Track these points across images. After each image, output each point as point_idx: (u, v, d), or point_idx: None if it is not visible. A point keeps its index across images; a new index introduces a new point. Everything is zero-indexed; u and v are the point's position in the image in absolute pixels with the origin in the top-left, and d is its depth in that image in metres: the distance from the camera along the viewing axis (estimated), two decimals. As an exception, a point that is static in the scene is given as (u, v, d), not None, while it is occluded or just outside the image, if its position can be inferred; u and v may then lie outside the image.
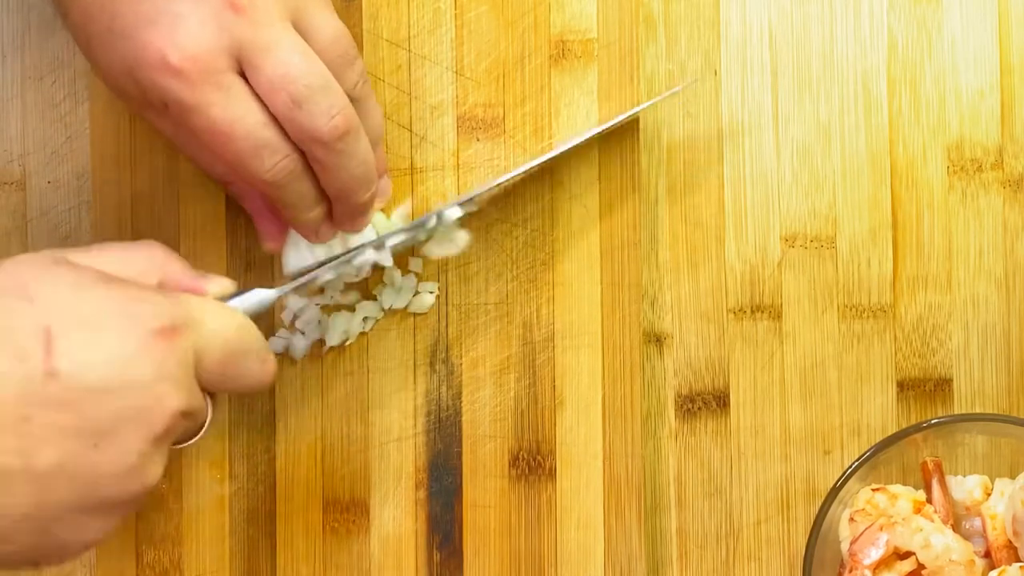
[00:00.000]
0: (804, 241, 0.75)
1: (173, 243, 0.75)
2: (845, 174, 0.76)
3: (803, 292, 0.75)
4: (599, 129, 0.73)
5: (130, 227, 0.75)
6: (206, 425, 0.60)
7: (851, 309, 0.75)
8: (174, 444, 0.59)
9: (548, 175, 0.75)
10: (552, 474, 0.75)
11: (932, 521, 0.71)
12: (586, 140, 0.74)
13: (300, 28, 0.65)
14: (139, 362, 0.56)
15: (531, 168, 0.74)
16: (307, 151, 0.65)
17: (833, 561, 0.72)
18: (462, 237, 0.74)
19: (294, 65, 0.63)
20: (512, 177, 0.74)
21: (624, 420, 0.75)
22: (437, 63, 0.76)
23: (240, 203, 0.73)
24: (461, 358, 0.75)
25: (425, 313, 0.75)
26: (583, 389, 0.75)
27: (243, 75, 0.63)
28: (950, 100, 0.76)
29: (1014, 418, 0.74)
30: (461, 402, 0.75)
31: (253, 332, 0.62)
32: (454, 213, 0.73)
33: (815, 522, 0.71)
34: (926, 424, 0.72)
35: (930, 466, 0.73)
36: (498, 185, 0.74)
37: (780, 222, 0.76)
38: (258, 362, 0.62)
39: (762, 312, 0.75)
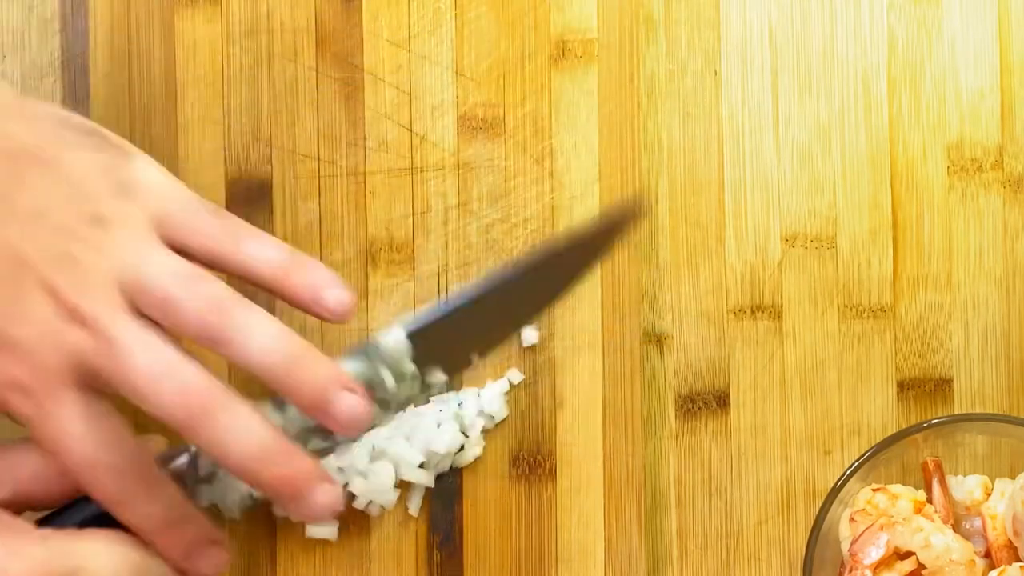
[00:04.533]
0: (804, 241, 0.75)
1: (173, 243, 0.75)
2: (845, 174, 0.76)
3: (803, 292, 0.75)
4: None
5: (130, 227, 0.75)
6: None
7: (851, 309, 0.75)
8: None
9: (548, 175, 0.76)
10: (552, 474, 0.75)
11: (932, 521, 0.71)
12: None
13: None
14: None
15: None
16: None
17: (833, 561, 0.72)
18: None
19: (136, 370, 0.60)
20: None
21: (624, 420, 0.75)
22: (437, 63, 0.76)
23: None
24: (461, 358, 0.75)
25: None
26: (583, 389, 0.75)
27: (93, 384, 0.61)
28: (950, 100, 0.76)
29: (1014, 418, 0.74)
30: (461, 402, 0.75)
31: (152, 570, 0.60)
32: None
33: (815, 522, 0.71)
34: (926, 424, 0.72)
35: (930, 466, 0.73)
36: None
37: (780, 222, 0.76)
38: None
39: (762, 312, 0.75)
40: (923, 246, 0.75)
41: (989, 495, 0.72)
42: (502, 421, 0.75)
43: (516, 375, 0.75)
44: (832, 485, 0.71)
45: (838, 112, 0.76)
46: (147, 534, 0.62)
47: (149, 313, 0.61)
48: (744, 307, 0.75)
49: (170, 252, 0.62)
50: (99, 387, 0.61)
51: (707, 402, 0.75)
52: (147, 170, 0.63)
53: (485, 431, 0.75)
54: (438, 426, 0.73)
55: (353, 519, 0.74)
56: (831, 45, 0.76)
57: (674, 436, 0.75)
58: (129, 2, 0.76)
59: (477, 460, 0.75)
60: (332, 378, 0.61)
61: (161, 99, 0.76)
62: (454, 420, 0.74)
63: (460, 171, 0.76)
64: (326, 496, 0.61)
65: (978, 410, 0.75)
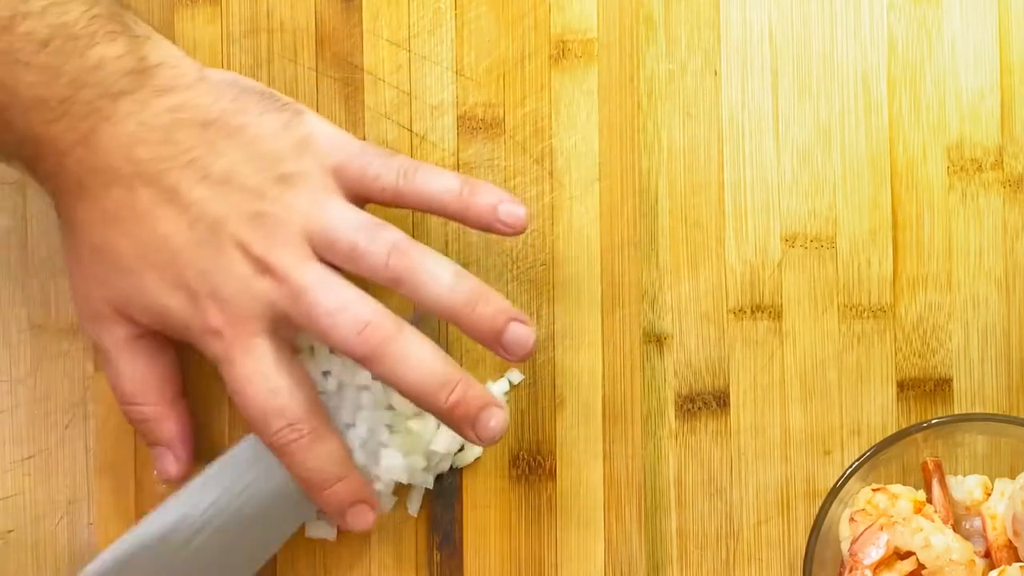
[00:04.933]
0: (804, 241, 0.75)
1: (173, 243, 0.75)
2: (845, 174, 0.76)
3: (803, 292, 0.75)
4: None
5: (130, 227, 0.75)
6: None
7: (851, 309, 0.75)
8: None
9: (548, 175, 0.76)
10: (552, 474, 0.75)
11: (932, 521, 0.71)
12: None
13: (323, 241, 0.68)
14: None
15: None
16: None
17: (833, 561, 0.72)
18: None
19: (323, 307, 0.67)
20: None
21: (624, 420, 0.75)
22: (437, 63, 0.76)
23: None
24: (461, 358, 0.75)
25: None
26: (583, 389, 0.75)
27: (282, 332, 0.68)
28: (950, 100, 0.76)
29: (1014, 418, 0.74)
30: (461, 402, 0.75)
31: None
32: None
33: (815, 522, 0.71)
34: (926, 424, 0.72)
35: (930, 466, 0.73)
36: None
37: (780, 222, 0.76)
38: None
39: (762, 312, 0.75)
40: (923, 246, 0.75)
41: (989, 495, 0.72)
42: (502, 421, 0.75)
43: (516, 375, 0.75)
44: (832, 485, 0.71)
45: (838, 112, 0.76)
46: (308, 485, 0.68)
47: (336, 262, 0.68)
48: (744, 307, 0.75)
49: (349, 203, 0.68)
50: (290, 335, 0.68)
51: (707, 402, 0.75)
52: (319, 125, 0.69)
53: None
54: (438, 426, 0.73)
55: (353, 519, 0.74)
56: (831, 45, 0.76)
57: (674, 436, 0.75)
58: (129, 2, 0.76)
59: (477, 460, 0.75)
60: (505, 311, 0.68)
61: (161, 99, 0.76)
62: (454, 420, 0.74)
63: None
64: (496, 420, 0.68)
65: (978, 410, 0.75)
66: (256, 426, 0.68)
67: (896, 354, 0.75)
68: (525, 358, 0.69)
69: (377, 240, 0.67)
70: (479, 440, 0.68)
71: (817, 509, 0.71)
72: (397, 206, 0.70)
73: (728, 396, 0.75)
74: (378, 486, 0.72)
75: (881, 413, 0.75)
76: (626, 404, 0.75)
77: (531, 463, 0.75)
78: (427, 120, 0.76)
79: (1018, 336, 0.75)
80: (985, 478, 0.73)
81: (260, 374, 0.67)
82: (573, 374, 0.75)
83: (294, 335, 0.69)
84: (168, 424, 0.71)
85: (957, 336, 0.75)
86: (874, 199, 0.75)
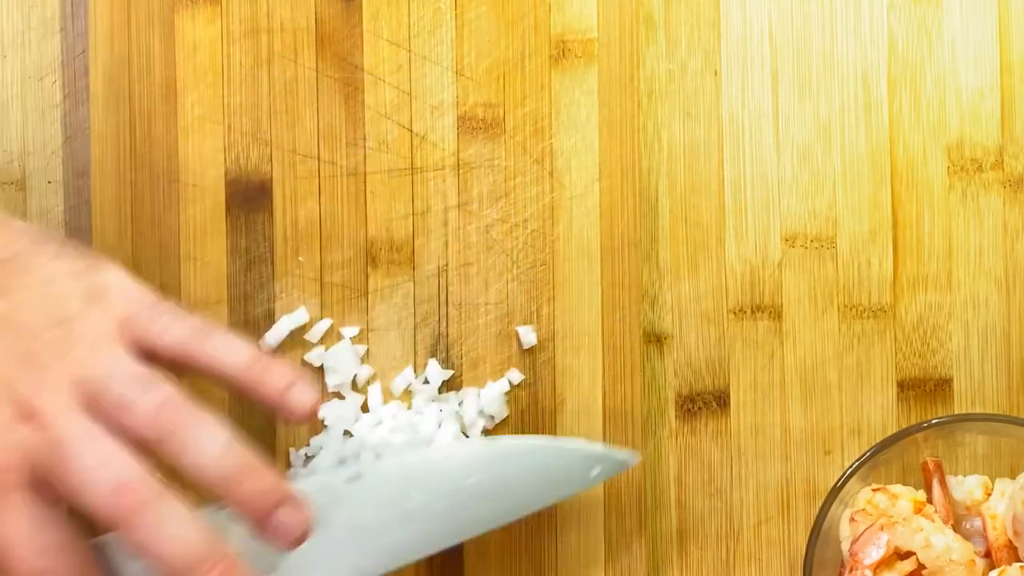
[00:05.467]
0: (804, 241, 0.75)
1: (173, 243, 0.75)
2: (845, 174, 0.76)
3: (803, 292, 0.75)
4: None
5: (130, 227, 0.75)
6: None
7: (851, 309, 0.75)
8: None
9: (548, 175, 0.76)
10: (552, 474, 0.75)
11: (932, 521, 0.71)
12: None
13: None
14: None
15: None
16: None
17: (834, 561, 0.72)
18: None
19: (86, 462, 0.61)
20: None
21: (624, 420, 0.75)
22: (437, 63, 0.76)
23: None
24: (461, 358, 0.75)
25: (424, 317, 0.75)
26: (583, 389, 0.75)
27: (44, 487, 0.62)
28: (950, 100, 0.76)
29: (1014, 418, 0.74)
30: (461, 402, 0.75)
31: None
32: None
33: (815, 522, 0.71)
34: (926, 424, 0.72)
35: (930, 466, 0.73)
36: None
37: (780, 222, 0.76)
38: None
39: (762, 312, 0.75)
40: (923, 246, 0.75)
41: (989, 495, 0.72)
42: (502, 421, 0.75)
43: (516, 375, 0.75)
44: (832, 485, 0.71)
45: (838, 112, 0.76)
46: None
47: (104, 414, 0.62)
48: (744, 307, 0.75)
49: (129, 356, 0.63)
50: (52, 490, 0.62)
51: (707, 402, 0.75)
52: (116, 275, 0.65)
53: (485, 431, 0.75)
54: (438, 426, 0.73)
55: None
56: (831, 45, 0.76)
57: (674, 436, 0.75)
58: (129, 2, 0.76)
59: (477, 460, 0.75)
60: (276, 492, 0.63)
61: (161, 99, 0.76)
62: (454, 420, 0.74)
63: (460, 171, 0.76)
64: None
65: (978, 410, 0.75)
66: None
67: (896, 354, 0.75)
68: (295, 545, 0.64)
69: (148, 393, 0.62)
70: None
71: (817, 509, 0.71)
72: (183, 367, 0.65)
73: (728, 396, 0.75)
74: None
75: (881, 413, 0.75)
76: (626, 404, 0.75)
77: (531, 463, 0.75)
78: (427, 120, 0.76)
79: (1018, 336, 0.75)
80: (985, 478, 0.73)
81: (25, 533, 0.61)
82: (573, 374, 0.75)
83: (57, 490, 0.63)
84: None
85: (957, 336, 0.75)
86: (874, 199, 0.75)
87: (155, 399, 0.62)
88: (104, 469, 0.61)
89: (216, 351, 0.65)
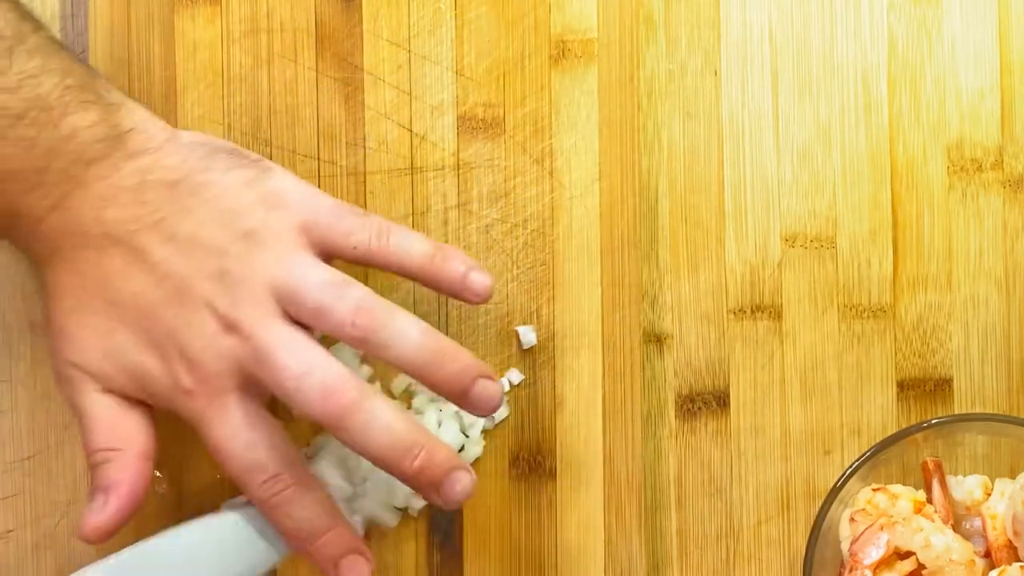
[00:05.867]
0: (804, 241, 0.75)
1: (173, 243, 0.75)
2: (845, 174, 0.76)
3: (803, 292, 0.75)
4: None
5: (130, 227, 0.75)
6: None
7: (851, 309, 0.75)
8: None
9: (548, 175, 0.76)
10: (552, 474, 0.75)
11: (932, 521, 0.71)
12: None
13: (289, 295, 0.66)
14: None
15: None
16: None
17: (833, 561, 0.72)
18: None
19: (290, 370, 0.65)
20: None
21: (624, 420, 0.75)
22: (437, 63, 0.76)
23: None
24: (461, 358, 0.75)
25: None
26: (583, 389, 0.75)
27: (252, 388, 0.66)
28: (950, 100, 0.76)
29: (1014, 418, 0.74)
30: (461, 402, 0.75)
31: None
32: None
33: (815, 522, 0.71)
34: (926, 424, 0.72)
35: (930, 466, 0.73)
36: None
37: (780, 222, 0.76)
38: None
39: (762, 312, 0.75)
40: (923, 246, 0.75)
41: (989, 495, 0.72)
42: (502, 421, 0.75)
43: (516, 375, 0.75)
44: (832, 485, 0.71)
45: (838, 112, 0.76)
46: (298, 538, 0.67)
47: (302, 319, 0.66)
48: (744, 307, 0.75)
49: (317, 260, 0.67)
50: (261, 391, 0.66)
51: (707, 402, 0.75)
52: (287, 181, 0.68)
53: (485, 431, 0.75)
54: (438, 425, 0.73)
55: (353, 519, 0.74)
56: (831, 45, 0.76)
57: (674, 436, 0.75)
58: (129, 2, 0.76)
59: (477, 460, 0.75)
60: (471, 368, 0.67)
61: (161, 99, 0.76)
62: (454, 420, 0.74)
63: (460, 171, 0.76)
64: (462, 485, 0.67)
65: (978, 410, 0.75)
66: (239, 483, 0.67)
67: (896, 354, 0.75)
68: (491, 413, 0.69)
69: (343, 298, 0.66)
70: (445, 504, 0.67)
71: (817, 509, 0.71)
72: (366, 265, 0.69)
73: (728, 396, 0.75)
74: (385, 513, 0.73)
75: (881, 413, 0.75)
76: (626, 404, 0.75)
77: (531, 463, 0.75)
78: (427, 120, 0.76)
79: (1018, 336, 0.75)
80: (985, 478, 0.73)
81: (235, 430, 0.66)
82: (573, 374, 0.75)
83: (268, 391, 0.67)
84: (122, 472, 0.67)
85: (957, 336, 0.75)
86: (874, 199, 0.75)
87: (350, 303, 0.66)
88: (309, 377, 0.64)
89: (399, 247, 0.68)
